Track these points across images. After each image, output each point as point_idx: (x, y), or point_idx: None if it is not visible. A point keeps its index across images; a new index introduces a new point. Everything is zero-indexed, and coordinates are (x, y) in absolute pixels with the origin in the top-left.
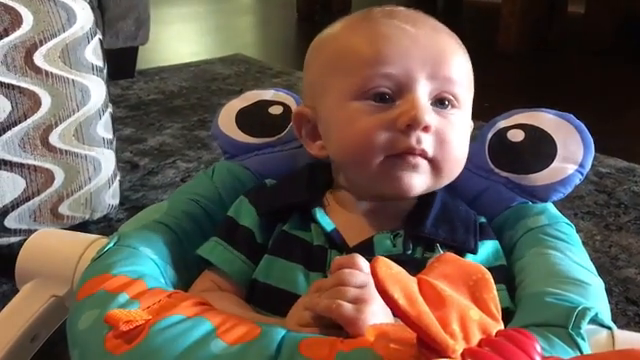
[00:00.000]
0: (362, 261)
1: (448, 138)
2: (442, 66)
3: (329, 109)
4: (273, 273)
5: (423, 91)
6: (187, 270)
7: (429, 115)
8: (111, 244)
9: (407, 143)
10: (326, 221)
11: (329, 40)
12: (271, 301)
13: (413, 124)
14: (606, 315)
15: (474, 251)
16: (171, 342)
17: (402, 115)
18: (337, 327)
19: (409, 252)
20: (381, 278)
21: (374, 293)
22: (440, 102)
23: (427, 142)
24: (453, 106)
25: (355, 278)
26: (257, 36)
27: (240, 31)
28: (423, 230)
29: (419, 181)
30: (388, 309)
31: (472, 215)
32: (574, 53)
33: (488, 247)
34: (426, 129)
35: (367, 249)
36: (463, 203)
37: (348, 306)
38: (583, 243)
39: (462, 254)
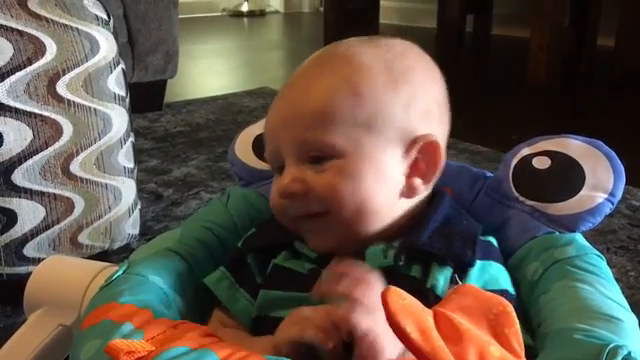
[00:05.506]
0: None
1: (319, 192)
2: (296, 126)
3: None
4: (272, 305)
5: (293, 159)
6: (198, 300)
7: (288, 183)
8: (120, 272)
9: (292, 211)
10: (309, 250)
11: None
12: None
13: (282, 196)
14: None
15: (471, 263)
16: None
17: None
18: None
19: (401, 263)
20: (393, 310)
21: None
22: (314, 160)
23: (305, 205)
24: (332, 157)
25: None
26: (284, 71)
27: (268, 66)
28: (417, 242)
29: (322, 240)
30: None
31: (474, 229)
32: (604, 86)
33: (491, 269)
34: (294, 196)
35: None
36: (470, 218)
37: (365, 320)
38: (616, 279)
39: (461, 269)
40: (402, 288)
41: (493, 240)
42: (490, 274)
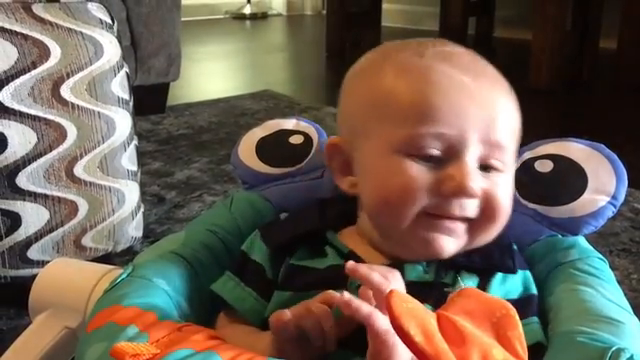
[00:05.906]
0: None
1: (494, 201)
2: (494, 130)
3: (369, 154)
4: (286, 306)
5: (473, 155)
6: (201, 303)
7: (475, 182)
8: (124, 275)
9: (449, 210)
10: (341, 244)
11: (373, 74)
12: None
13: (458, 193)
14: None
15: (513, 270)
16: None
17: (448, 181)
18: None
19: (442, 280)
20: (397, 313)
21: None
22: (486, 167)
23: (470, 208)
24: (498, 170)
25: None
26: (287, 73)
27: (270, 68)
28: (457, 259)
29: (452, 245)
30: None
31: (506, 239)
32: (607, 89)
33: (512, 277)
34: (471, 196)
35: None
36: None
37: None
38: (619, 282)
39: (486, 278)
40: (437, 296)
41: (514, 246)
42: (512, 283)
